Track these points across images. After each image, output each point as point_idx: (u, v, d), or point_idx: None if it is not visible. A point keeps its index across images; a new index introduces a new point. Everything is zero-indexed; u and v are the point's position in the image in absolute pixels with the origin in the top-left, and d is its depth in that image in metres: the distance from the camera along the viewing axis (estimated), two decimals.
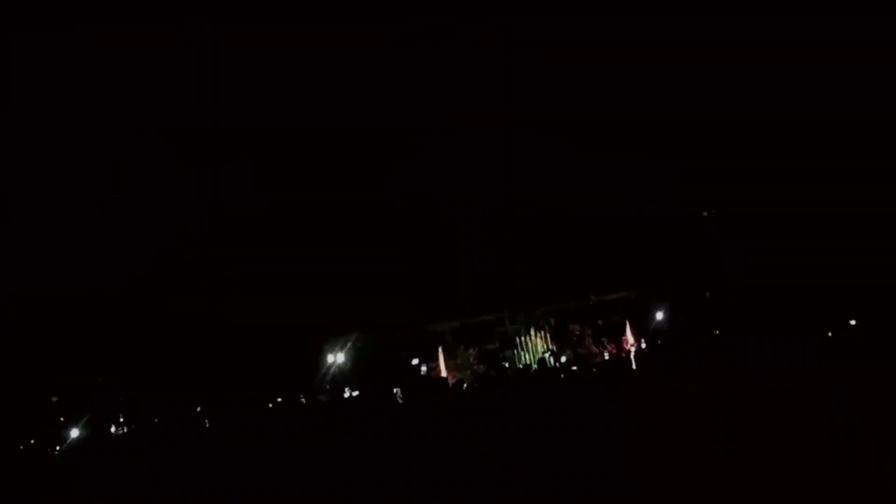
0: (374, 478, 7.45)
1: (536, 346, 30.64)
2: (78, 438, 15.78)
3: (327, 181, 39.26)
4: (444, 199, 38.81)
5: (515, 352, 31.18)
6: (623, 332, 34.07)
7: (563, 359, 13.85)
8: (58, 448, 13.06)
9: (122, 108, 36.31)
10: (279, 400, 15.41)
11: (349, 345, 35.81)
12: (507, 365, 12.74)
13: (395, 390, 10.83)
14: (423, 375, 32.32)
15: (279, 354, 32.55)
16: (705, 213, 38.41)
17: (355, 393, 22.24)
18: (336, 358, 35.11)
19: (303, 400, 13.96)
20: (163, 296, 34.08)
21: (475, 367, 31.18)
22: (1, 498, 8.32)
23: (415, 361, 36.10)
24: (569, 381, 10.82)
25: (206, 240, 36.59)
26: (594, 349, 29.94)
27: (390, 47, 39.78)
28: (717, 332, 21.87)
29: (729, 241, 35.73)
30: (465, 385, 12.12)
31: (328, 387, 30.80)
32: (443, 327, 37.02)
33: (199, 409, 13.91)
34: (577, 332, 32.52)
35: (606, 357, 19.12)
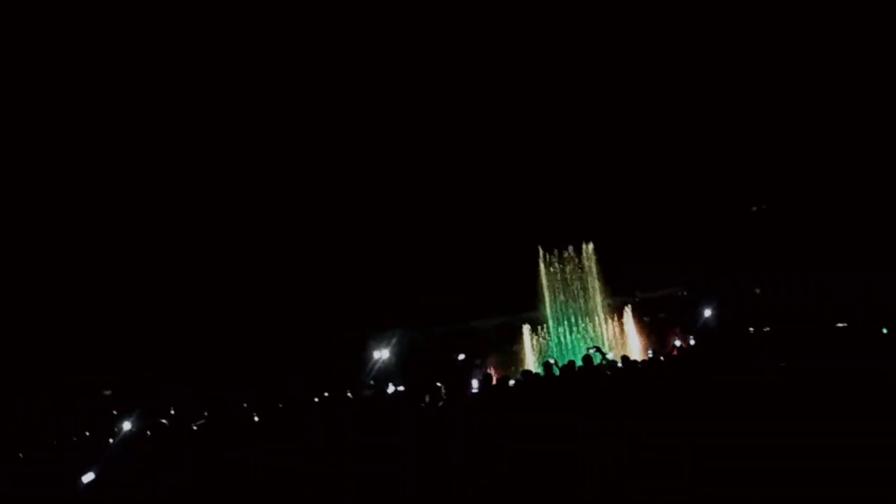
0: (411, 472, 7.51)
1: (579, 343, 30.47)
2: (131, 432, 16.15)
3: (365, 180, 39.74)
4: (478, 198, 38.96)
5: (559, 349, 31.00)
6: (670, 330, 33.63)
7: (610, 356, 13.78)
8: (109, 440, 13.40)
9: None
10: (325, 395, 15.55)
11: (394, 341, 36.04)
12: (552, 361, 12.62)
13: (438, 384, 10.85)
14: (465, 369, 32.41)
15: (326, 350, 32.97)
16: (754, 209, 37.75)
17: (400, 388, 22.33)
18: (381, 354, 35.36)
19: (349, 395, 14.08)
20: (212, 290, 34.72)
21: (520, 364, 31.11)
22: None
23: (461, 357, 36.18)
24: (612, 379, 10.73)
25: (253, 236, 37.12)
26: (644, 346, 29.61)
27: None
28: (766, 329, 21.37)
29: (776, 236, 35.02)
30: (510, 381, 12.08)
31: (373, 381, 31.02)
32: (486, 324, 37.00)
33: (245, 405, 14.12)
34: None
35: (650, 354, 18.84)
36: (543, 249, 33.04)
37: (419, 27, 39.92)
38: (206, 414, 13.48)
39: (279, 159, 39.12)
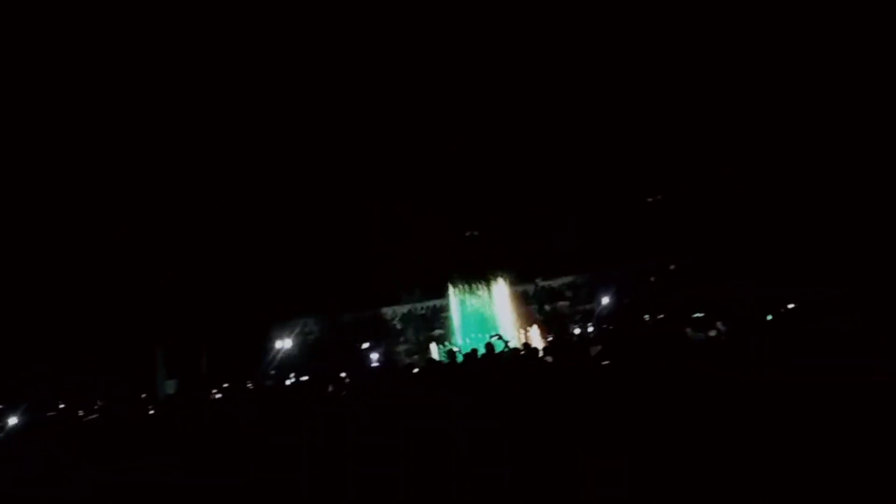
0: (316, 462, 7.45)
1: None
2: (17, 426, 15.37)
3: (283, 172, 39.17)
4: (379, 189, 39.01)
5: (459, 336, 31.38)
6: (569, 317, 34.57)
7: (512, 343, 14.05)
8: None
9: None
10: (225, 385, 15.22)
11: (298, 330, 35.60)
12: (456, 349, 12.77)
13: (342, 375, 10.79)
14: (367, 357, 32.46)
15: (228, 340, 32.18)
16: (650, 199, 39.11)
17: (302, 378, 22.12)
18: (284, 343, 34.86)
19: (249, 385, 13.81)
20: (102, 279, 33.33)
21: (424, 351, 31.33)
22: None
23: (365, 346, 36.10)
24: (515, 365, 10.92)
25: (155, 221, 35.83)
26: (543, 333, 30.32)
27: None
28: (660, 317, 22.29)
29: (672, 226, 36.44)
30: (414, 370, 12.14)
31: (273, 372, 30.59)
32: (391, 312, 37.05)
33: (144, 395, 13.64)
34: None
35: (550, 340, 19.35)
36: (449, 235, 33.29)
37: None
38: (97, 407, 12.99)
39: (193, 147, 37.99)
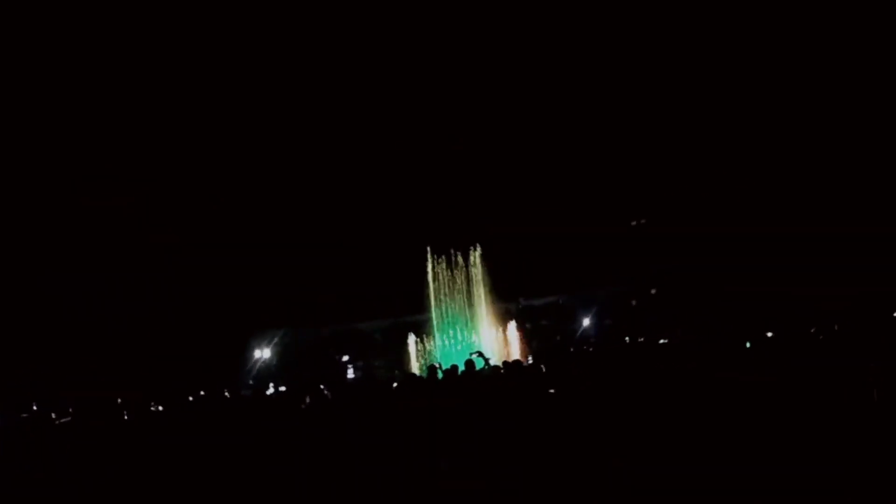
0: (295, 473, 7.40)
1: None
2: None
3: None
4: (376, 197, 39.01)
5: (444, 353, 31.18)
6: (552, 336, 34.59)
7: (493, 361, 14.02)
8: None
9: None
10: (202, 393, 15.06)
11: (276, 340, 35.36)
12: (437, 365, 12.72)
13: (321, 387, 10.71)
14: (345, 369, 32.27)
15: (206, 348, 31.88)
16: (633, 223, 39.34)
17: (281, 388, 21.97)
18: (263, 353, 34.64)
19: (226, 394, 13.67)
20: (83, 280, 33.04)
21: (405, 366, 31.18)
22: None
23: (344, 359, 35.93)
24: (495, 381, 10.90)
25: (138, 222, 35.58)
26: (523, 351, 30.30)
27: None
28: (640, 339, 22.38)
29: (655, 250, 36.62)
30: (394, 384, 12.08)
31: (252, 381, 30.36)
32: (371, 326, 36.90)
33: (119, 400, 13.47)
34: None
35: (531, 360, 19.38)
36: (432, 252, 33.09)
37: None
38: (71, 411, 12.77)
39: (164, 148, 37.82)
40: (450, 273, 33.17)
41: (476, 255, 33.20)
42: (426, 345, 32.61)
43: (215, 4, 40.25)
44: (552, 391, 8.72)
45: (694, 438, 6.81)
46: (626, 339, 24.70)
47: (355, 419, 8.33)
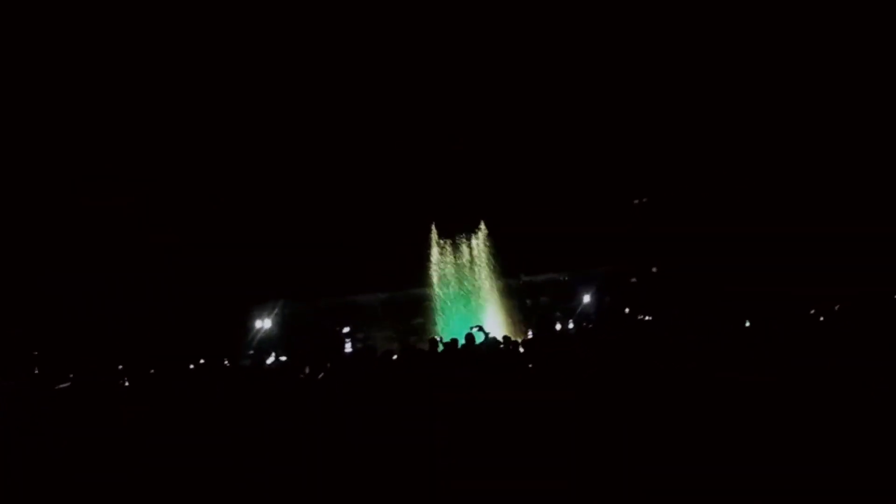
0: (294, 447, 7.39)
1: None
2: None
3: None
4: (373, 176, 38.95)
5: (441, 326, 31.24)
6: (552, 312, 34.62)
7: (491, 335, 14.02)
8: None
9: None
10: (201, 362, 15.11)
11: (277, 311, 35.41)
12: (438, 338, 12.76)
13: (321, 357, 10.72)
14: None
15: (207, 318, 31.97)
16: (636, 201, 39.28)
17: (282, 358, 22.04)
18: (263, 323, 34.71)
19: (226, 363, 13.72)
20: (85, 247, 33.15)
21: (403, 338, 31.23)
22: None
23: (345, 330, 36.01)
24: (495, 357, 10.91)
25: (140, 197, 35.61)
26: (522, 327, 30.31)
27: None
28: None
29: (657, 229, 36.61)
30: (394, 356, 12.10)
31: (252, 352, 30.44)
32: (371, 300, 36.89)
33: (120, 367, 13.51)
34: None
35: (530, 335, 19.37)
36: (436, 228, 33.11)
37: None
38: (71, 376, 12.79)
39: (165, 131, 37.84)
40: (452, 248, 33.18)
41: (479, 231, 33.22)
42: (427, 318, 32.70)
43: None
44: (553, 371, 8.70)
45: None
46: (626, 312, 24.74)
47: (353, 389, 8.33)
